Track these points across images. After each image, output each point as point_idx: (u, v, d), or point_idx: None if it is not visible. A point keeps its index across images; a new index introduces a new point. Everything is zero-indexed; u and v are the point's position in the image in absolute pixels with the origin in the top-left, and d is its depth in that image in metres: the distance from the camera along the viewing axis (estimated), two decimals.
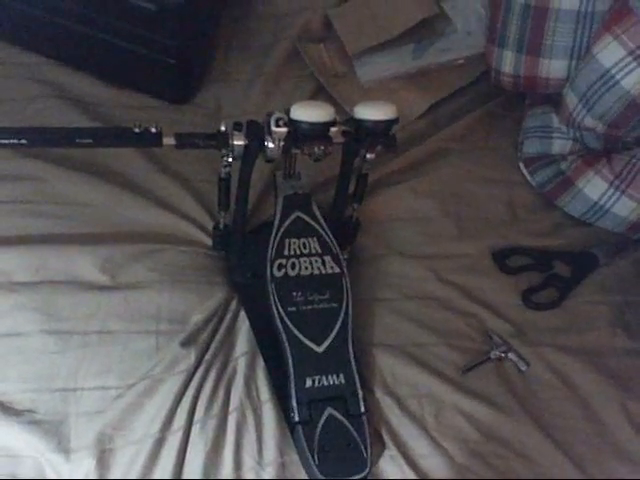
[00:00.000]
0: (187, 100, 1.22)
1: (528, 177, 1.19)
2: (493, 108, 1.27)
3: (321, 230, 0.98)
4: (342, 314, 0.93)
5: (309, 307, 0.93)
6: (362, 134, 0.88)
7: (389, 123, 0.87)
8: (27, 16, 1.15)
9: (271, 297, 0.93)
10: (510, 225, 1.14)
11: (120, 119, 1.17)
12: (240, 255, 1.02)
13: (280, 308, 0.92)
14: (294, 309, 0.92)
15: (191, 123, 1.20)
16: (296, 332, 0.91)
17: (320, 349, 0.91)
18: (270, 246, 0.96)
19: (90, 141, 0.85)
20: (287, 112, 0.89)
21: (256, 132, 0.89)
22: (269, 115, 0.89)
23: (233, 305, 1.00)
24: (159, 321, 0.96)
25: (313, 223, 0.98)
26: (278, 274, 0.94)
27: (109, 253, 1.00)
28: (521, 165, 1.20)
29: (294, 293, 0.94)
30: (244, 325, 0.98)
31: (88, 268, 0.98)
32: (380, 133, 0.88)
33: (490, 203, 1.16)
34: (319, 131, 0.84)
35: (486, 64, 1.18)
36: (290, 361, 0.90)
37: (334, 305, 0.94)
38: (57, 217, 1.03)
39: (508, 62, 1.13)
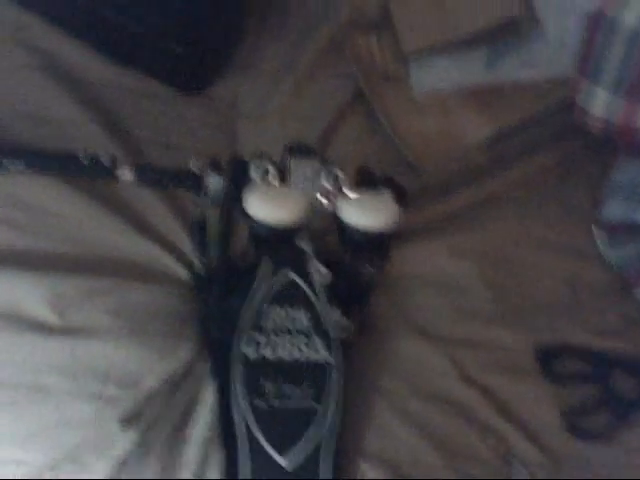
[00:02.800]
0: (199, 90, 1.01)
1: (603, 249, 0.94)
2: (574, 148, 1.01)
3: (314, 299, 0.78)
4: (321, 418, 0.74)
5: (281, 403, 0.74)
6: (346, 242, 0.66)
7: (381, 236, 0.65)
8: None
9: (233, 382, 0.74)
10: (567, 312, 0.90)
11: (115, 105, 0.97)
12: (219, 302, 0.83)
13: (243, 399, 0.73)
14: (262, 403, 0.74)
15: (198, 119, 1.00)
16: (259, 435, 0.72)
17: (288, 463, 0.72)
18: (244, 311, 0.76)
19: (22, 165, 0.66)
20: (291, 151, 0.70)
21: (239, 176, 0.69)
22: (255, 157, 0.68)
23: (199, 368, 0.82)
24: (105, 383, 0.79)
25: (306, 288, 0.78)
26: (249, 352, 0.75)
27: (64, 285, 0.82)
28: (596, 231, 0.95)
29: (265, 382, 0.74)
30: (207, 397, 0.80)
31: (35, 301, 0.81)
32: (368, 245, 0.66)
33: (546, 277, 0.92)
34: (281, 237, 0.63)
35: (570, 97, 0.91)
36: (249, 473, 0.71)
37: (314, 405, 0.74)
38: (15, 226, 0.86)
39: (600, 103, 0.86)
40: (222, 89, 1.03)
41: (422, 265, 0.91)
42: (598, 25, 0.84)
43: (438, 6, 1.05)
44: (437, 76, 1.04)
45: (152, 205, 0.89)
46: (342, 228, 0.66)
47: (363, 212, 0.66)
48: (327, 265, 0.79)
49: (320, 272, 0.78)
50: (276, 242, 0.66)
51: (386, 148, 1.01)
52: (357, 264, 0.73)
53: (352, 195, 0.71)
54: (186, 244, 0.86)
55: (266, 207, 0.64)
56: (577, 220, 0.97)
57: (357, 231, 0.65)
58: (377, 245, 0.67)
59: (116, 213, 0.88)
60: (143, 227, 0.88)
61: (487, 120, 1.01)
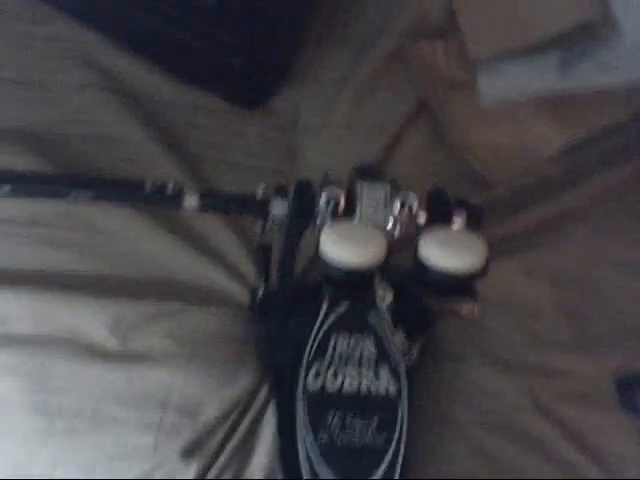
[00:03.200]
0: (259, 104, 0.99)
1: None
2: None
3: (381, 328, 0.74)
4: (391, 452, 0.71)
5: (347, 437, 0.71)
6: (425, 286, 0.62)
7: (469, 278, 0.60)
8: None
9: (298, 416, 0.71)
10: None
11: (178, 122, 0.96)
12: (281, 327, 0.80)
13: (308, 434, 0.71)
14: (326, 438, 0.71)
15: (259, 135, 0.98)
16: (324, 471, 0.70)
17: None
18: (309, 343, 0.73)
19: (89, 196, 0.65)
20: (359, 174, 0.66)
21: (305, 200, 0.66)
22: (324, 183, 0.65)
23: (261, 396, 0.79)
24: (165, 410, 0.78)
25: (373, 316, 0.74)
26: (313, 385, 0.72)
27: (125, 309, 0.82)
28: None
29: (330, 415, 0.72)
30: (270, 427, 0.77)
31: (97, 326, 0.81)
32: (452, 288, 0.61)
33: (627, 301, 0.87)
34: (357, 279, 0.59)
35: None
36: None
37: (380, 440, 0.71)
38: (77, 248, 0.86)
39: None
40: (282, 102, 1.00)
41: (493, 286, 0.84)
42: None
43: (508, 10, 0.99)
44: (507, 83, 0.99)
45: (215, 228, 0.87)
46: (423, 269, 0.62)
47: (450, 252, 0.61)
48: (392, 284, 0.76)
49: (384, 291, 0.75)
50: (352, 284, 0.62)
51: (452, 161, 0.96)
52: (442, 310, 0.69)
53: (423, 219, 0.67)
54: (249, 268, 0.84)
55: (342, 249, 0.59)
56: None
57: (443, 274, 0.60)
58: (464, 288, 0.63)
59: (179, 236, 0.86)
60: (206, 250, 0.86)
61: (561, 130, 0.95)
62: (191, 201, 0.65)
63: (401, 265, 0.69)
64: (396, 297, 0.76)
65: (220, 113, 0.98)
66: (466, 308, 0.62)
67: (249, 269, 0.84)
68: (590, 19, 0.97)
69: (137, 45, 0.97)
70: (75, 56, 0.99)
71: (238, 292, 0.85)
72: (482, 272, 0.60)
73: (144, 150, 0.91)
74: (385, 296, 0.75)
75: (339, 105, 0.99)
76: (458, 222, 0.65)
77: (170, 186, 0.65)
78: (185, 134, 0.94)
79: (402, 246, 0.68)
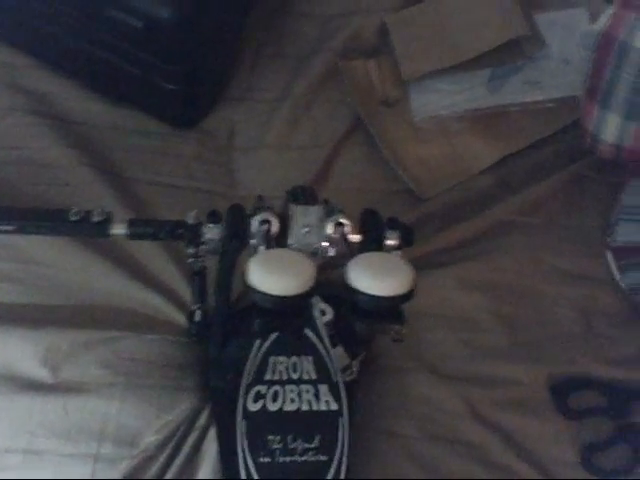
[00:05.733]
0: (193, 124, 0.98)
1: (616, 275, 0.90)
2: (582, 170, 0.96)
3: (321, 347, 0.74)
4: (333, 469, 0.70)
5: (288, 459, 0.70)
6: (352, 309, 0.62)
7: (396, 300, 0.61)
8: (11, 14, 0.93)
9: (238, 440, 0.70)
10: (582, 343, 0.86)
11: (107, 144, 0.94)
12: (220, 350, 0.79)
13: (248, 457, 0.69)
14: (267, 460, 0.69)
15: (194, 156, 0.96)
16: None
17: None
18: (247, 366, 0.72)
19: (11, 228, 0.64)
20: (293, 196, 0.68)
21: (238, 224, 0.66)
22: (258, 206, 0.65)
23: (202, 420, 0.78)
24: (101, 441, 0.75)
25: (311, 335, 0.74)
26: (253, 407, 0.71)
27: (58, 339, 0.79)
28: (609, 256, 0.91)
29: (271, 437, 0.70)
30: (211, 450, 0.76)
31: (27, 357, 0.78)
32: (381, 312, 0.62)
33: (559, 307, 0.88)
34: (284, 306, 0.60)
35: (581, 124, 0.88)
36: None
37: (322, 458, 0.70)
38: (7, 278, 0.83)
39: (611, 129, 0.82)
40: (217, 122, 0.99)
41: (429, 298, 0.86)
42: (607, 48, 0.80)
43: (438, 29, 1.03)
44: (438, 100, 1.01)
45: (149, 252, 0.85)
46: (353, 295, 0.62)
47: (376, 277, 0.61)
48: (327, 300, 0.76)
49: (321, 310, 0.76)
50: (284, 312, 0.62)
51: (388, 177, 0.97)
52: (370, 331, 0.69)
53: (356, 239, 0.68)
54: (185, 291, 0.82)
55: (271, 277, 0.59)
56: (589, 245, 0.92)
57: (369, 297, 0.60)
58: (391, 312, 0.63)
59: (113, 262, 0.84)
60: (141, 275, 0.85)
61: (493, 145, 0.98)
62: (119, 229, 0.64)
63: (337, 281, 0.70)
64: (335, 313, 0.77)
65: (154, 134, 0.97)
66: (394, 332, 0.63)
67: (186, 293, 0.82)
68: (517, 37, 1.01)
69: (67, 67, 0.95)
70: (1, 78, 0.96)
71: (175, 317, 0.83)
72: (408, 296, 0.61)
73: (74, 174, 0.89)
74: (323, 313, 0.76)
75: (274, 124, 0.99)
76: (390, 242, 0.67)
77: (95, 214, 0.64)
78: (118, 157, 0.93)
79: (337, 263, 0.69)
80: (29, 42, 0.97)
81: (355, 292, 0.61)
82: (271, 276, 0.59)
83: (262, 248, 0.66)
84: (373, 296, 0.60)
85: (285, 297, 0.58)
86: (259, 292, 0.58)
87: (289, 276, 0.59)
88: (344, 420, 0.72)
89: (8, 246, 0.84)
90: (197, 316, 0.78)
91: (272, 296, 0.58)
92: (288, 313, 0.62)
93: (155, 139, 0.96)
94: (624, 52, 0.79)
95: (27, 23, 0.94)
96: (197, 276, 0.73)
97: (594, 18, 1.02)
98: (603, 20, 0.85)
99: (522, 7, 1.02)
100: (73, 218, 0.63)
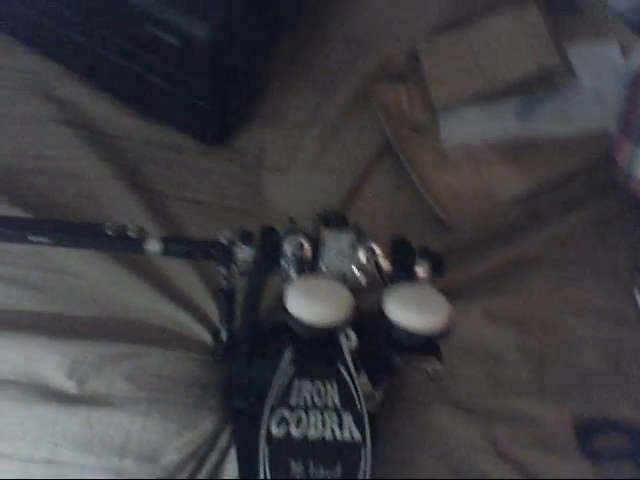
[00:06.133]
0: (224, 142, 0.98)
1: None
2: (613, 205, 0.96)
3: (346, 374, 0.73)
4: None
5: None
6: (388, 342, 0.62)
7: (435, 335, 0.60)
8: (47, 25, 0.93)
9: (261, 464, 0.69)
10: (608, 383, 0.85)
11: (139, 159, 0.94)
12: (244, 371, 0.78)
13: None
14: None
15: (224, 174, 0.96)
16: None
17: None
18: (272, 389, 0.71)
19: (46, 240, 0.63)
20: (324, 221, 0.67)
21: (270, 247, 0.65)
22: (289, 229, 0.65)
23: (223, 440, 0.77)
24: (123, 455, 0.75)
25: (337, 362, 0.73)
26: (277, 432, 0.70)
27: (84, 350, 0.79)
28: (637, 295, 0.90)
29: (293, 463, 0.69)
30: (230, 473, 0.75)
31: (54, 368, 0.78)
32: (417, 347, 0.61)
33: (586, 345, 0.87)
34: (320, 335, 0.59)
35: (612, 160, 0.87)
36: None
37: None
38: (36, 287, 0.83)
39: None
40: (247, 141, 0.99)
41: (456, 330, 0.86)
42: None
43: (470, 57, 1.02)
44: (468, 128, 1.01)
45: (179, 269, 0.85)
46: (387, 326, 0.62)
47: (415, 311, 0.61)
48: (354, 327, 0.76)
49: (347, 336, 0.75)
50: (318, 341, 0.62)
51: (415, 203, 0.96)
52: (406, 366, 0.68)
53: (387, 266, 0.67)
54: (212, 310, 0.82)
55: (310, 306, 0.59)
56: (617, 282, 0.91)
57: (408, 332, 0.60)
58: (428, 347, 0.62)
59: (141, 276, 0.84)
60: (170, 292, 0.84)
61: (521, 175, 0.97)
62: (153, 245, 0.64)
63: (365, 309, 0.70)
64: (360, 341, 0.76)
65: (186, 150, 0.96)
66: (432, 368, 0.62)
67: (213, 312, 0.82)
68: (548, 68, 1.00)
69: (101, 80, 0.96)
70: (36, 88, 0.97)
71: (202, 335, 0.83)
72: (447, 332, 0.60)
73: (106, 187, 0.89)
74: (349, 340, 0.75)
75: (304, 145, 0.99)
76: (421, 271, 0.66)
77: (131, 230, 0.64)
78: (149, 171, 0.93)
79: (366, 291, 0.68)
80: (65, 54, 0.97)
81: (392, 326, 0.60)
82: (310, 305, 0.58)
83: (292, 272, 0.65)
84: (412, 331, 0.59)
85: (322, 327, 0.58)
86: (297, 320, 0.58)
87: (328, 306, 0.58)
88: (367, 451, 0.71)
89: (39, 254, 0.84)
90: (223, 336, 0.77)
91: (310, 325, 0.57)
92: (322, 342, 0.61)
93: (186, 155, 0.96)
94: None
95: (64, 36, 0.94)
96: (225, 296, 0.72)
97: (625, 52, 1.03)
98: (636, 57, 0.85)
99: (554, 39, 1.02)
100: (108, 233, 0.63)
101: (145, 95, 0.94)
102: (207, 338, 0.82)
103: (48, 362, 0.78)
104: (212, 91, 0.89)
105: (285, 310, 0.58)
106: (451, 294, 0.85)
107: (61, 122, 0.94)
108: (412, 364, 0.64)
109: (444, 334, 0.60)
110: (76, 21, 0.90)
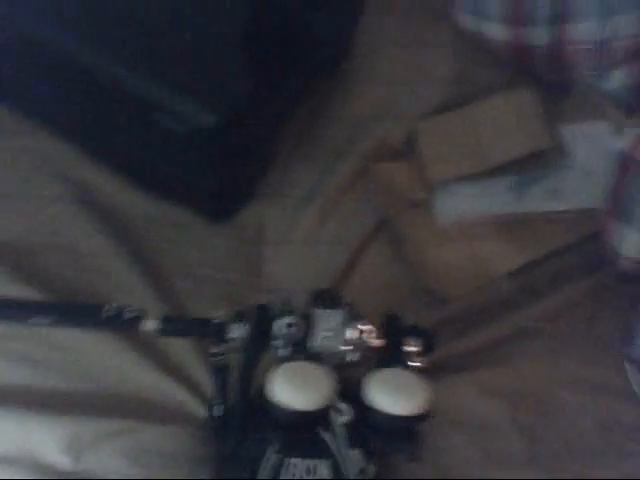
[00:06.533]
0: (227, 219, 1.02)
1: (635, 387, 0.90)
2: (604, 279, 0.97)
3: (336, 450, 0.74)
4: None
5: None
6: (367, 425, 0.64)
7: (410, 420, 0.62)
8: (62, 109, 1.00)
9: None
10: (602, 457, 0.85)
11: (143, 235, 0.99)
12: (237, 447, 0.80)
13: None
14: None
15: (226, 249, 1.00)
16: None
17: None
18: (262, 467, 0.73)
19: (46, 322, 0.67)
20: (316, 299, 0.70)
21: (263, 325, 0.69)
22: (283, 306, 0.68)
23: None
24: None
25: (328, 438, 0.75)
26: None
27: (80, 427, 0.81)
28: (628, 368, 0.91)
29: None
30: None
31: (51, 445, 0.80)
32: (395, 431, 0.63)
33: (579, 418, 0.88)
34: (302, 420, 0.61)
35: (601, 237, 0.90)
36: None
37: None
38: (34, 362, 0.86)
39: (632, 245, 0.85)
40: (249, 216, 1.03)
41: (449, 404, 0.86)
42: (627, 168, 0.83)
43: (466, 137, 1.07)
44: (462, 204, 1.04)
45: (178, 345, 0.87)
46: (368, 412, 0.64)
47: (391, 395, 0.63)
48: (347, 399, 0.77)
49: (339, 410, 0.76)
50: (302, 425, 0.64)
51: (411, 277, 0.99)
52: (387, 451, 0.70)
53: (376, 343, 0.70)
54: (206, 383, 0.84)
55: (292, 392, 0.61)
56: (611, 356, 0.92)
57: (383, 416, 0.62)
58: (406, 431, 0.64)
59: (139, 351, 0.87)
60: (166, 367, 0.87)
61: (515, 250, 0.99)
62: (149, 325, 0.67)
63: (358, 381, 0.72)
64: (355, 413, 0.78)
65: (189, 227, 1.00)
66: (408, 452, 0.63)
67: (208, 386, 0.84)
68: (542, 148, 1.04)
69: (110, 160, 1.01)
70: (49, 169, 1.02)
71: (196, 409, 0.84)
72: (424, 417, 0.62)
73: (111, 263, 0.93)
74: (341, 413, 0.77)
75: (303, 221, 1.02)
76: (411, 348, 0.69)
77: (128, 310, 0.67)
78: (154, 247, 0.97)
79: (358, 365, 0.71)
80: (76, 134, 1.03)
81: (370, 409, 0.62)
82: (291, 391, 0.60)
83: (282, 350, 0.68)
84: (387, 415, 0.61)
85: (305, 412, 0.60)
86: (279, 407, 0.60)
87: (309, 392, 0.61)
88: None
89: (36, 329, 0.85)
90: (217, 411, 0.79)
91: (292, 411, 0.60)
92: (306, 425, 0.63)
93: (189, 232, 1.00)
94: None
95: (74, 117, 1.00)
96: (220, 372, 0.74)
97: (616, 131, 1.07)
98: (625, 139, 0.88)
99: (547, 119, 1.07)
100: (106, 314, 0.66)
101: (152, 175, 0.99)
102: (201, 412, 0.83)
103: (44, 437, 0.80)
104: (217, 173, 0.94)
105: (267, 397, 0.60)
106: (444, 368, 0.89)
107: (72, 201, 0.99)
108: (390, 448, 0.65)
109: (421, 420, 0.61)
110: (88, 106, 0.96)
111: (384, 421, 0.62)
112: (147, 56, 0.92)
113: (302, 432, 0.68)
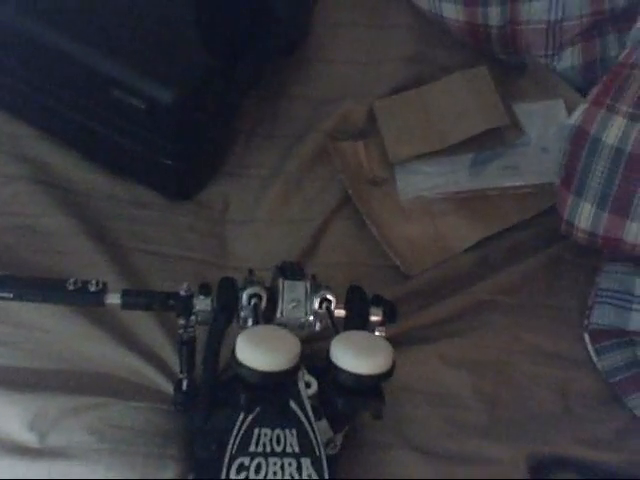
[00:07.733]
0: (189, 197, 1.02)
1: (594, 357, 0.93)
2: (560, 252, 1.01)
3: (305, 420, 0.75)
4: None
5: None
6: (334, 386, 0.65)
7: (375, 378, 0.63)
8: (18, 88, 0.98)
9: None
10: (560, 423, 0.88)
11: (104, 214, 0.97)
12: (205, 420, 0.80)
13: None
14: None
15: (189, 227, 1.00)
16: None
17: None
18: (232, 437, 0.73)
19: (9, 295, 0.66)
20: (281, 271, 0.71)
21: (228, 298, 0.69)
22: (248, 280, 0.68)
23: None
24: None
25: (296, 409, 0.76)
26: (236, 479, 0.72)
27: (45, 403, 0.80)
28: (586, 338, 0.94)
29: None
30: None
31: (15, 421, 0.79)
32: (361, 389, 0.65)
33: (538, 387, 0.91)
34: (269, 381, 0.62)
35: (557, 210, 0.93)
36: None
37: None
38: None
39: (585, 216, 0.87)
40: (211, 195, 1.03)
41: (412, 374, 0.89)
42: (580, 141, 0.86)
43: (424, 116, 1.08)
44: (422, 182, 1.06)
45: (142, 321, 0.87)
46: (335, 372, 0.65)
47: (357, 355, 0.64)
48: (312, 372, 0.78)
49: (306, 382, 0.77)
50: (269, 387, 0.64)
51: (374, 253, 1.01)
52: (351, 408, 0.71)
53: (341, 314, 0.71)
54: (174, 360, 0.84)
55: (258, 353, 0.61)
56: (567, 326, 0.96)
57: (350, 375, 0.63)
58: (371, 389, 0.66)
59: (105, 329, 0.86)
60: (131, 342, 0.86)
61: (474, 226, 1.02)
62: (113, 299, 0.67)
63: (322, 354, 0.73)
64: (320, 385, 0.79)
65: (151, 205, 1.00)
66: (373, 409, 0.65)
67: (175, 362, 0.83)
68: (498, 126, 1.06)
69: (69, 139, 0.99)
70: (7, 148, 1.00)
71: (164, 385, 0.84)
72: (388, 374, 0.63)
73: (72, 242, 0.92)
74: (308, 385, 0.78)
75: (266, 199, 1.03)
76: (374, 318, 0.71)
77: (92, 284, 0.67)
78: (115, 226, 0.96)
79: (323, 335, 0.72)
80: (34, 115, 1.01)
81: (337, 369, 0.63)
82: (258, 352, 0.61)
83: (250, 321, 0.69)
84: (354, 374, 0.62)
85: (270, 373, 0.60)
86: (246, 367, 0.61)
87: (275, 353, 0.61)
88: None
89: (3, 309, 0.85)
90: (184, 386, 0.79)
91: (258, 371, 0.60)
92: (273, 388, 0.64)
93: (151, 210, 0.99)
94: (595, 147, 0.85)
95: (32, 97, 0.98)
96: (185, 346, 0.74)
97: (571, 110, 1.10)
98: (577, 114, 0.91)
99: (502, 98, 1.09)
100: (70, 288, 0.66)
101: (112, 154, 0.98)
102: (170, 389, 0.83)
103: (9, 415, 0.79)
104: (177, 151, 0.93)
105: (235, 358, 0.61)
106: (407, 340, 0.91)
107: (31, 180, 0.97)
108: (356, 406, 0.66)
109: (385, 377, 0.63)
110: (46, 85, 0.94)
111: (351, 380, 0.63)
112: (104, 33, 0.91)
113: (274, 402, 0.69)
